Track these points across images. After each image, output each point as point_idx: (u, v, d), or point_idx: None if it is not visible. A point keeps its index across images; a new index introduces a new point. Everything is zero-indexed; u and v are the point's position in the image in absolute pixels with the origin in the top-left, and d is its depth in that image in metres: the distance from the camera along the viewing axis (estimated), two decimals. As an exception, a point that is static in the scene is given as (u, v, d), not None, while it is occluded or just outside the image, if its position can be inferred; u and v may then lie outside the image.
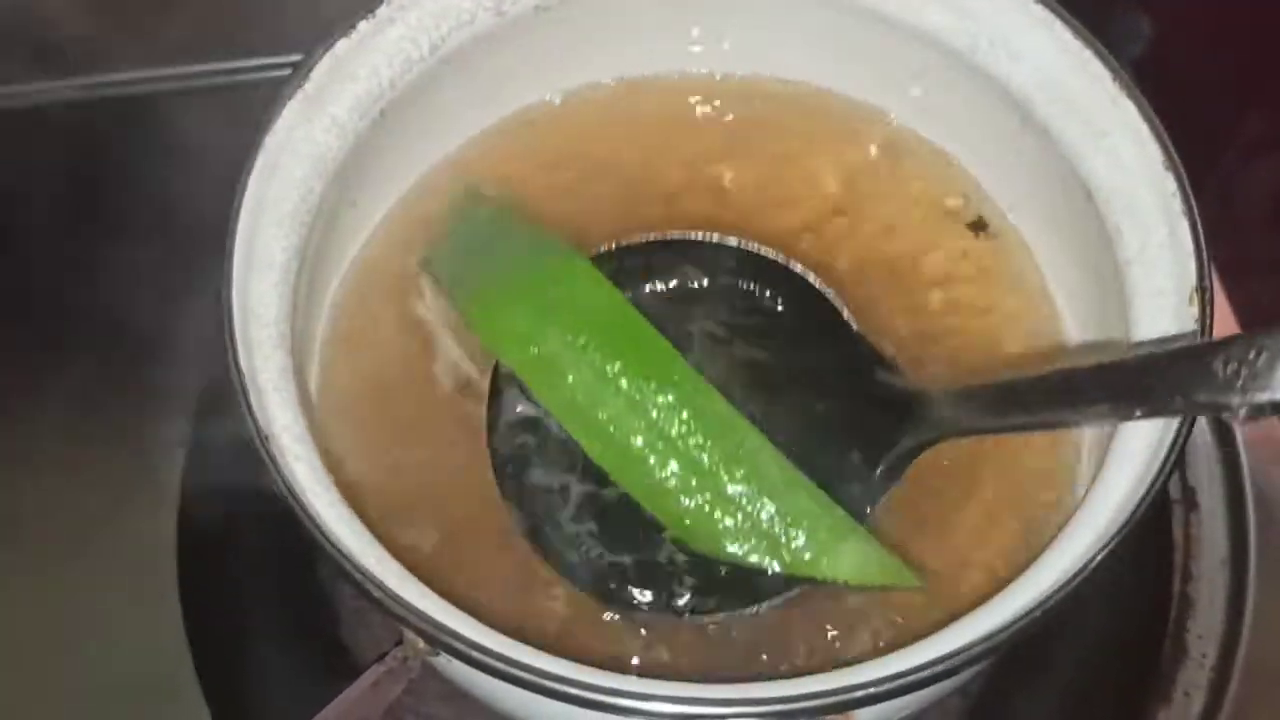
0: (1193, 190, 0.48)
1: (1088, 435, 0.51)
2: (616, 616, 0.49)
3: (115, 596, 0.57)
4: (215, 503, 0.58)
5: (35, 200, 0.65)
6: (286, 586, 0.58)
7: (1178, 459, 0.43)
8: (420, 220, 0.56)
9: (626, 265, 0.52)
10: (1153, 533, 0.58)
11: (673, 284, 0.53)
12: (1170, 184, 0.48)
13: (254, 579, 0.59)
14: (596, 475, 0.49)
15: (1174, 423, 0.44)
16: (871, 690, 0.40)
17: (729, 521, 0.47)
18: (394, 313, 0.55)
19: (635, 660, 0.48)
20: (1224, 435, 0.60)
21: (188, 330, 0.59)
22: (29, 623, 0.57)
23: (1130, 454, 0.45)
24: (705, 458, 0.47)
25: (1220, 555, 0.58)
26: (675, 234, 0.53)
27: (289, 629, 0.58)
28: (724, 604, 0.48)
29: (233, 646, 0.57)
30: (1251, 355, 0.38)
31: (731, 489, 0.47)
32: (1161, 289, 0.47)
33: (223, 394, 0.45)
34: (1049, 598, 0.42)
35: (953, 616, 0.43)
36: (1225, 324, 0.62)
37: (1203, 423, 0.60)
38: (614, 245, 0.52)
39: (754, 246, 0.52)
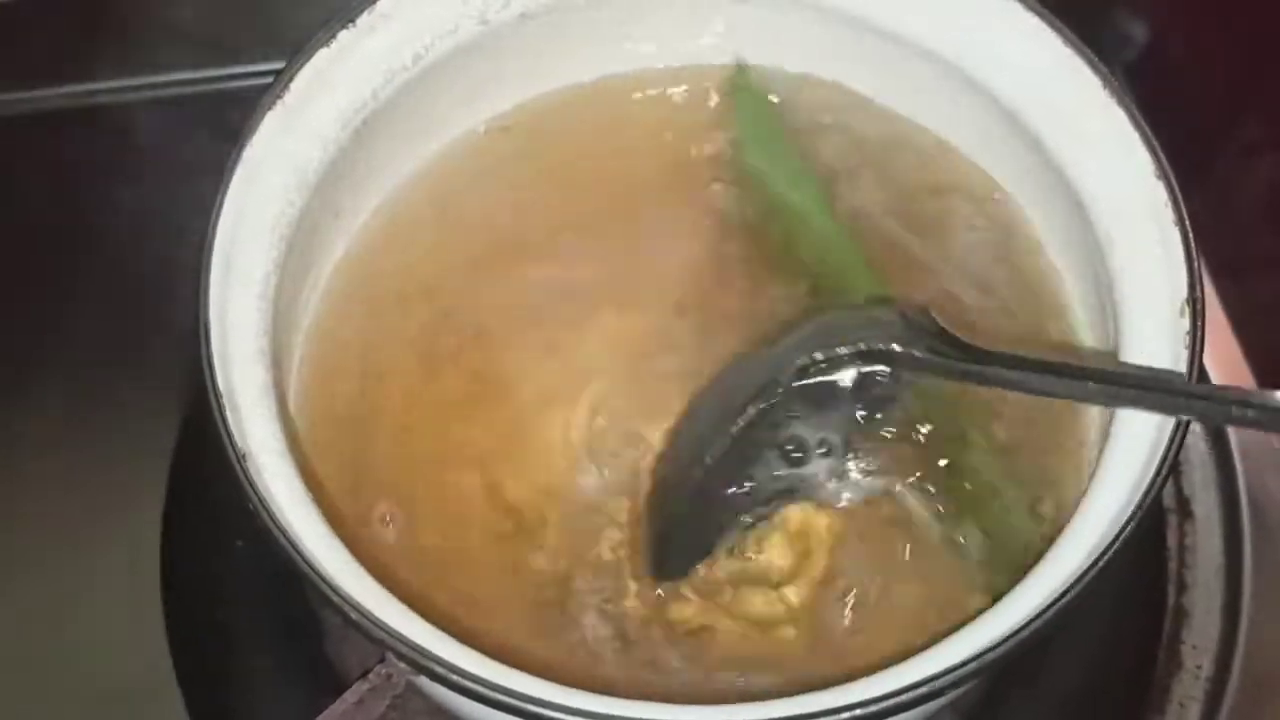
0: (1190, 188, 0.48)
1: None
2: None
3: (98, 604, 0.57)
4: (201, 510, 0.57)
5: (21, 208, 0.65)
6: (271, 598, 0.58)
7: (1169, 473, 0.43)
8: (403, 224, 0.56)
9: None
10: (1147, 542, 0.58)
11: None
12: (1161, 193, 0.48)
13: (239, 590, 0.58)
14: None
15: (1165, 436, 0.44)
16: (859, 712, 0.40)
17: None
18: (378, 321, 0.54)
19: (619, 681, 0.47)
20: (1219, 443, 0.60)
21: (173, 335, 0.58)
22: (7, 629, 0.57)
23: (1123, 466, 0.45)
24: None
25: (1215, 565, 0.58)
26: None
27: (273, 641, 0.58)
28: None
29: (216, 659, 0.57)
30: None
31: None
32: (1153, 298, 0.47)
33: (207, 400, 0.45)
34: (1039, 615, 0.41)
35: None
36: (1219, 328, 0.62)
37: (1198, 431, 0.60)
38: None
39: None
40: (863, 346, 0.48)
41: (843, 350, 0.48)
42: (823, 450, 0.50)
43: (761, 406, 0.48)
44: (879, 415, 0.49)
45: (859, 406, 0.49)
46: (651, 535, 0.50)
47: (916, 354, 0.47)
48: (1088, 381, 0.45)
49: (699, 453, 0.49)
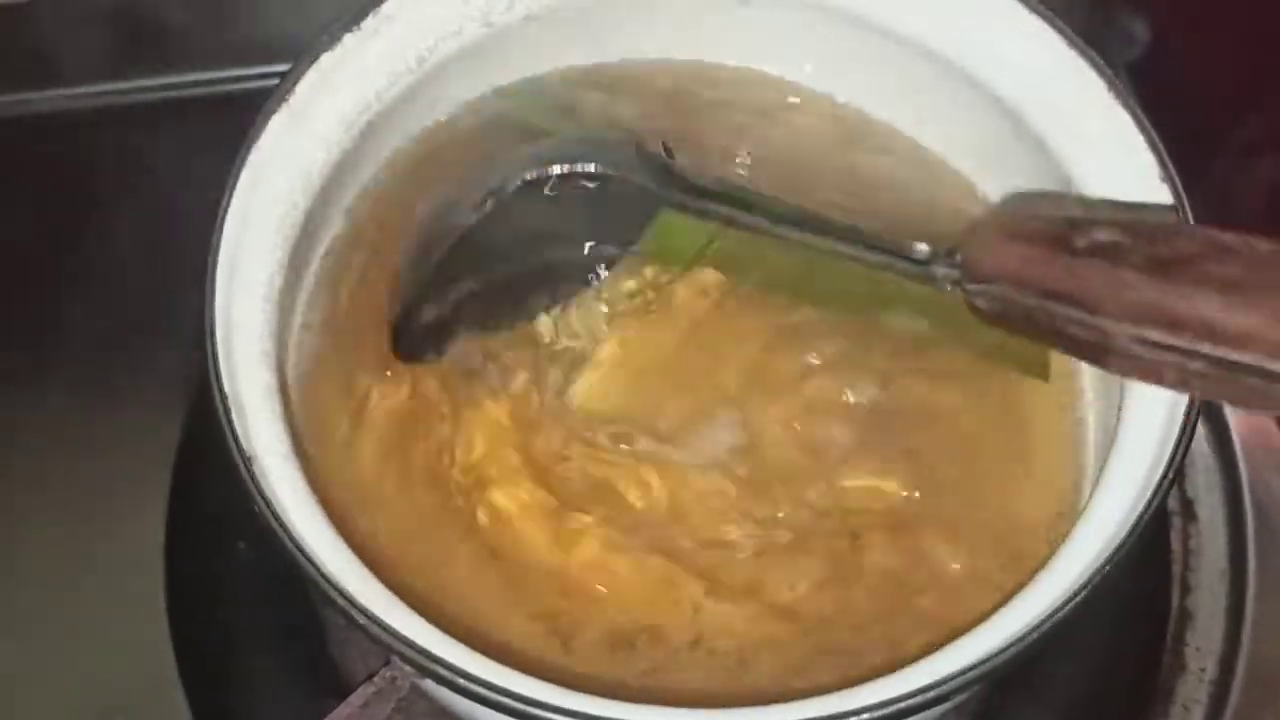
0: (1191, 188, 0.48)
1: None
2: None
3: (101, 607, 0.56)
4: (204, 512, 0.58)
5: (25, 208, 0.65)
6: (275, 600, 0.58)
7: (1174, 479, 0.43)
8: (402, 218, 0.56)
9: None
10: (1152, 545, 0.58)
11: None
12: (1166, 196, 0.48)
13: (242, 593, 0.58)
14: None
15: (1170, 442, 0.44)
16: (866, 716, 0.40)
17: None
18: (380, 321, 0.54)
19: (624, 683, 0.47)
20: (1222, 446, 0.60)
21: (176, 338, 0.59)
22: (10, 630, 0.56)
23: (1127, 471, 0.45)
24: None
25: (1219, 567, 0.58)
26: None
27: (277, 644, 0.58)
28: None
29: (219, 662, 0.57)
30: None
31: None
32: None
33: (210, 401, 0.45)
34: (1045, 620, 0.41)
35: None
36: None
37: (1201, 433, 0.60)
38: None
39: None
40: (584, 167, 0.51)
41: (561, 169, 0.51)
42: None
43: (486, 210, 0.52)
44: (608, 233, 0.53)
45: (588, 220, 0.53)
46: (392, 318, 0.52)
47: (633, 179, 0.51)
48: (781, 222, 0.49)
49: (428, 249, 0.52)
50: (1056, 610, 0.41)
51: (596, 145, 0.53)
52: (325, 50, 0.50)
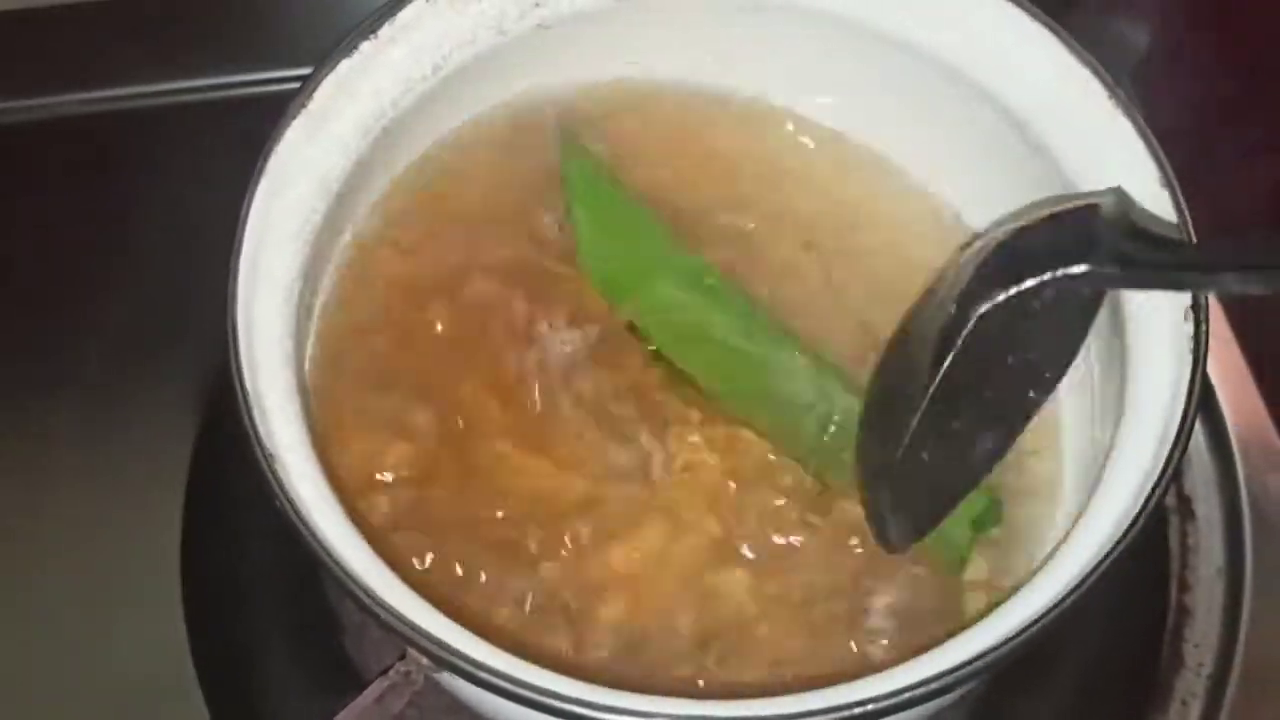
0: (1190, 189, 0.49)
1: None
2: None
3: (118, 603, 0.57)
4: (220, 510, 0.58)
5: (46, 210, 0.65)
6: (290, 596, 0.58)
7: (1173, 478, 0.44)
8: (421, 231, 0.57)
9: None
10: (1149, 543, 0.59)
11: None
12: (1166, 202, 0.49)
13: (258, 588, 0.59)
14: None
15: (1169, 440, 0.45)
16: (870, 707, 0.41)
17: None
18: (394, 327, 0.55)
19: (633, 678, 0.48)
20: (1220, 445, 0.61)
21: (193, 337, 0.60)
22: (29, 626, 0.57)
23: (1127, 469, 0.46)
24: None
25: (1216, 564, 0.59)
26: None
27: (292, 640, 0.59)
28: None
29: (236, 657, 0.57)
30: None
31: None
32: (1157, 306, 0.48)
33: (228, 401, 0.45)
34: (1047, 613, 0.42)
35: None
36: (1220, 330, 0.63)
37: (1199, 432, 0.61)
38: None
39: None
40: (1047, 277, 0.44)
41: (1029, 284, 0.44)
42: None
43: (945, 368, 0.45)
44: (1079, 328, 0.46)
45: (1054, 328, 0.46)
46: (875, 511, 0.49)
47: (1108, 271, 0.44)
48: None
49: (897, 433, 0.47)
50: (1059, 603, 0.42)
51: (1044, 242, 0.46)
52: (343, 58, 0.51)
